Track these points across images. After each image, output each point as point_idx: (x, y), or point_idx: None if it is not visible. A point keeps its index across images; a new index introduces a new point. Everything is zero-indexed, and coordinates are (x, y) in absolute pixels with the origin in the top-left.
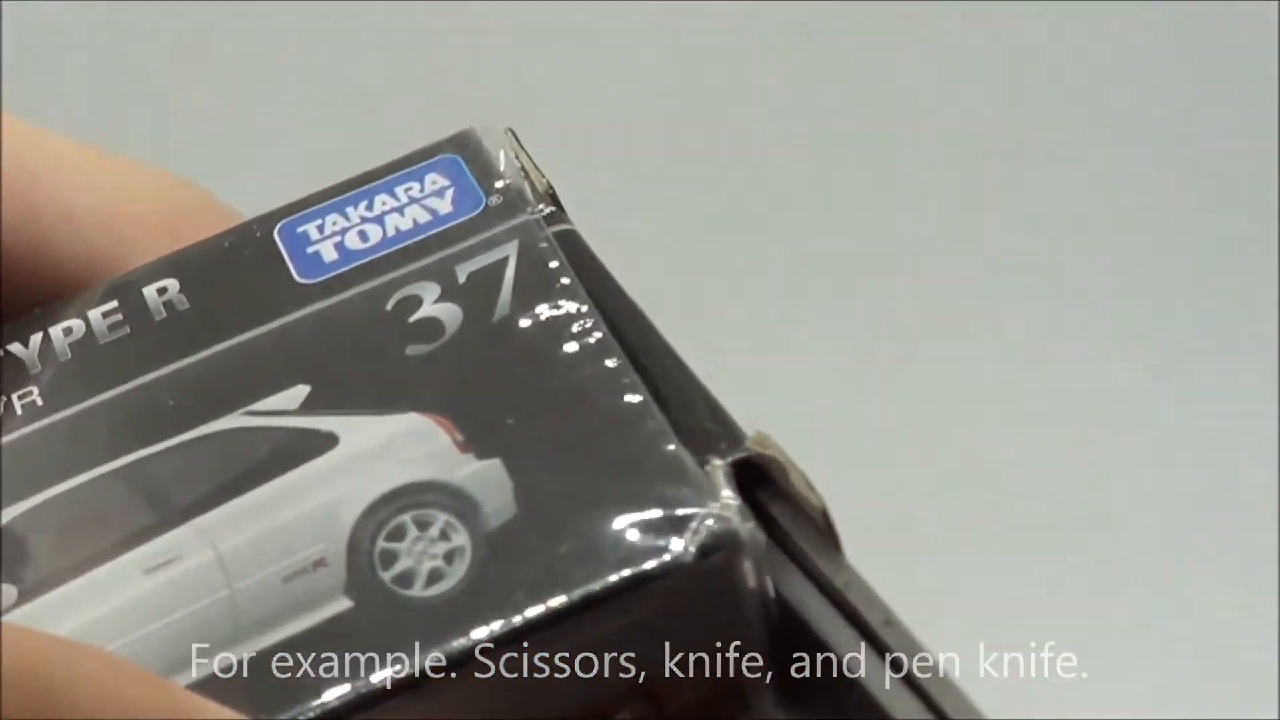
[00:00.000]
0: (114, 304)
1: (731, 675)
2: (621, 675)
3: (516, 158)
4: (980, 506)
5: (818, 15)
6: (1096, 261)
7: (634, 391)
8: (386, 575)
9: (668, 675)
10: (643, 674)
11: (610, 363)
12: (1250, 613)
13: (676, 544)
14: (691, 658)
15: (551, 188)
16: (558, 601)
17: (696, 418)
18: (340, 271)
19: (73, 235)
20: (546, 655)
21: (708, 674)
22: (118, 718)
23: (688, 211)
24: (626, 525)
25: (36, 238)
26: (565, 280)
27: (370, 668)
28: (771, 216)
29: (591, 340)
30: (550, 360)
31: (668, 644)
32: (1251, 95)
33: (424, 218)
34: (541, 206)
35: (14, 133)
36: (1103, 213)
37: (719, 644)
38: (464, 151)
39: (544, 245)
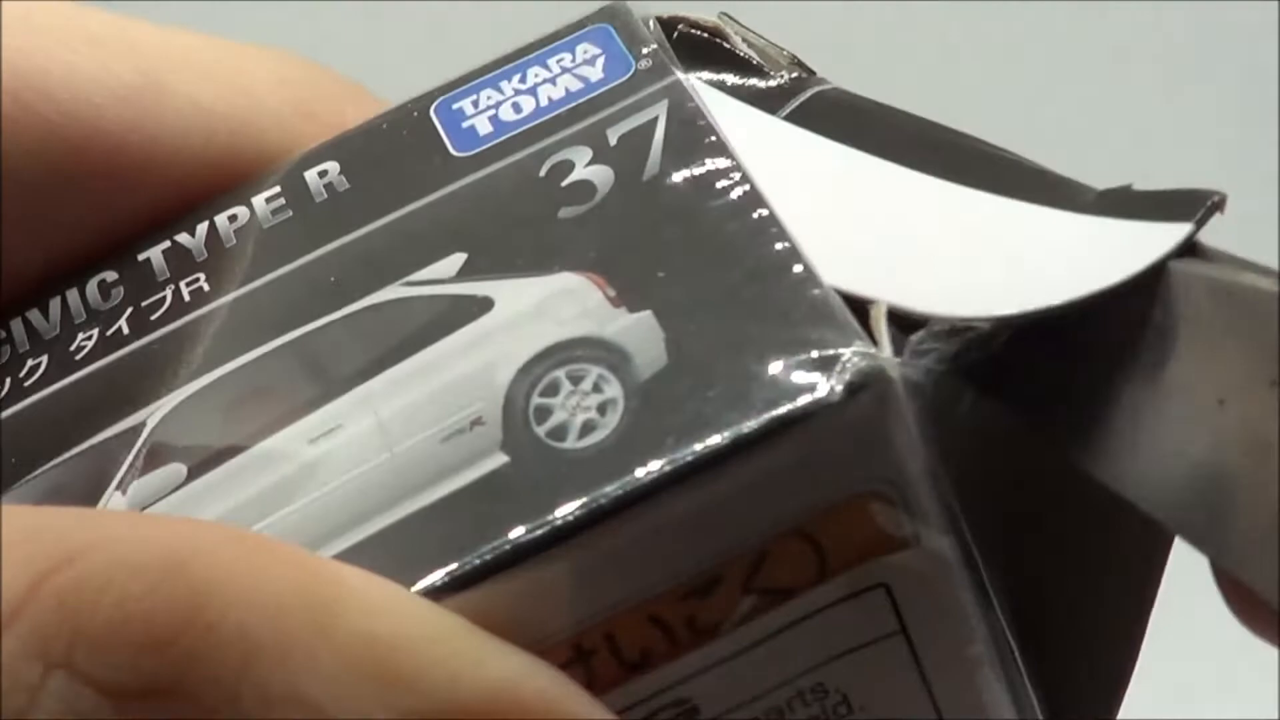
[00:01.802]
0: (277, 189)
1: (886, 519)
2: (778, 516)
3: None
4: None
5: None
6: None
7: (780, 240)
8: (541, 430)
9: (818, 514)
10: (798, 515)
11: (757, 214)
12: None
13: (823, 383)
14: (846, 498)
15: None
16: (707, 444)
17: None
18: (495, 143)
19: (208, 132)
20: (700, 498)
21: (864, 515)
22: (260, 602)
23: None
24: (775, 368)
25: (169, 143)
26: (712, 138)
27: (529, 518)
28: None
29: (738, 194)
30: (698, 214)
31: (821, 484)
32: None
33: (576, 85)
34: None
35: (125, 32)
36: None
37: (873, 485)
38: (613, 20)
39: (691, 105)
